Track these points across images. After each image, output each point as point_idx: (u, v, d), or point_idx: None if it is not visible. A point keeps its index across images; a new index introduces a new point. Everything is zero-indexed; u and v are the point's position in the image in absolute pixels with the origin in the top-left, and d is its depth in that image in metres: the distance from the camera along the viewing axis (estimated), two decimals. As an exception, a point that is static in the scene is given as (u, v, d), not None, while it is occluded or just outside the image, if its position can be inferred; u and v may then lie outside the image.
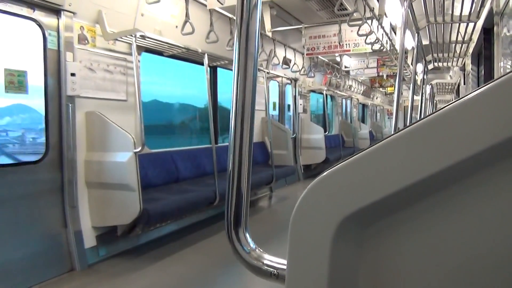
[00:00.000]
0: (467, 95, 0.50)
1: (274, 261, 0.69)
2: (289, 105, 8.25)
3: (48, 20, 3.23)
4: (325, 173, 0.58)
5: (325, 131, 8.86)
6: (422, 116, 6.23)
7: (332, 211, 0.57)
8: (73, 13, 3.36)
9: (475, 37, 4.93)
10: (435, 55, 6.03)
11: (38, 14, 3.16)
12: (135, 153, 3.33)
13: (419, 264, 0.55)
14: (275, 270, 0.68)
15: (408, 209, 0.56)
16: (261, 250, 0.72)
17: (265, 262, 0.70)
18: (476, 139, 0.49)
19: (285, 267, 0.61)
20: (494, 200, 0.51)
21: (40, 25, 3.19)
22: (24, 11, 3.07)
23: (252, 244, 0.73)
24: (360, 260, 0.57)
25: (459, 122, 0.50)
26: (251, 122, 0.73)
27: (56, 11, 3.27)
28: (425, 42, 5.29)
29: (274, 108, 7.79)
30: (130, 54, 3.92)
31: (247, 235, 0.73)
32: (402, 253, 0.56)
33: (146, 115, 3.69)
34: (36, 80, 3.18)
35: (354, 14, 4.12)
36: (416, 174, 0.52)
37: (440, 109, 0.51)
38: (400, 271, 0.56)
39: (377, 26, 5.39)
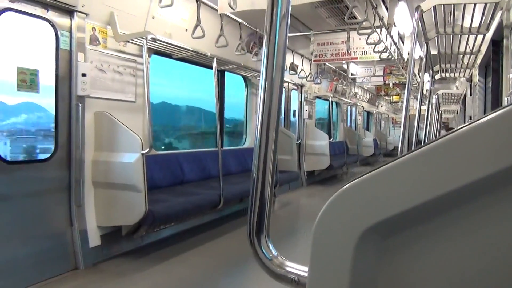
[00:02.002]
0: (486, 116, 0.51)
1: (296, 268, 0.70)
2: (294, 111, 8.27)
3: (61, 20, 3.27)
4: (347, 185, 0.60)
5: (329, 138, 8.87)
6: (428, 126, 6.24)
7: (354, 222, 0.58)
8: (86, 14, 3.40)
9: (483, 49, 4.93)
10: (442, 65, 6.04)
11: (51, 15, 3.20)
12: (143, 154, 3.35)
13: (438, 278, 0.56)
14: (296, 277, 0.69)
15: (428, 223, 0.57)
16: (283, 258, 0.74)
17: (287, 269, 0.71)
18: (497, 158, 0.50)
19: (306, 274, 0.62)
20: None
21: (53, 25, 3.23)
22: (38, 11, 3.11)
23: (274, 251, 0.74)
24: (381, 271, 0.58)
25: (479, 142, 0.51)
26: (276, 130, 0.74)
27: (69, 12, 3.31)
28: (433, 52, 5.30)
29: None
30: (140, 56, 3.95)
31: (269, 242, 0.74)
32: (422, 266, 0.57)
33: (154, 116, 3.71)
34: (47, 79, 3.21)
35: (364, 23, 4.14)
36: (435, 190, 0.53)
37: (460, 128, 0.53)
38: (419, 283, 0.57)
39: (386, 35, 5.40)
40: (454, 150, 0.53)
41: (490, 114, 0.51)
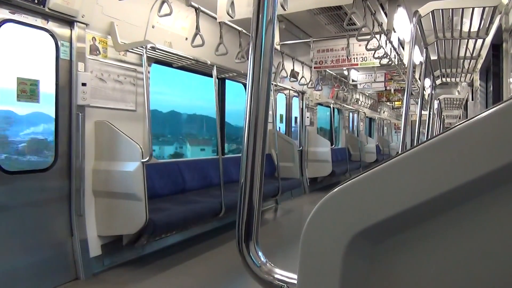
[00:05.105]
0: (478, 115, 0.50)
1: (284, 275, 0.69)
2: (296, 118, 8.27)
3: (62, 31, 3.30)
4: (336, 189, 0.58)
5: (331, 144, 8.84)
6: (430, 131, 6.21)
7: (343, 227, 0.57)
8: (86, 24, 3.42)
9: (483, 53, 4.92)
10: (443, 70, 6.03)
11: (52, 25, 3.22)
12: (143, 163, 3.35)
13: (430, 283, 0.55)
14: (285, 285, 0.68)
15: (419, 227, 0.56)
16: (272, 264, 0.72)
17: (276, 276, 0.70)
18: (489, 158, 0.49)
19: (295, 281, 0.61)
20: (508, 219, 0.50)
21: (53, 36, 3.25)
22: (39, 22, 3.14)
23: (262, 258, 0.72)
24: (371, 276, 0.57)
25: (470, 142, 0.50)
26: (264, 136, 0.73)
27: (69, 22, 3.33)
28: (433, 57, 5.29)
29: (281, 121, 7.81)
30: (140, 65, 3.97)
31: (258, 248, 0.73)
32: (414, 271, 0.56)
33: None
34: (47, 88, 3.22)
35: (363, 29, 4.14)
36: (427, 192, 0.52)
37: (450, 128, 0.51)
38: None
39: (385, 41, 5.41)
40: (446, 150, 0.51)
41: (478, 114, 0.50)
